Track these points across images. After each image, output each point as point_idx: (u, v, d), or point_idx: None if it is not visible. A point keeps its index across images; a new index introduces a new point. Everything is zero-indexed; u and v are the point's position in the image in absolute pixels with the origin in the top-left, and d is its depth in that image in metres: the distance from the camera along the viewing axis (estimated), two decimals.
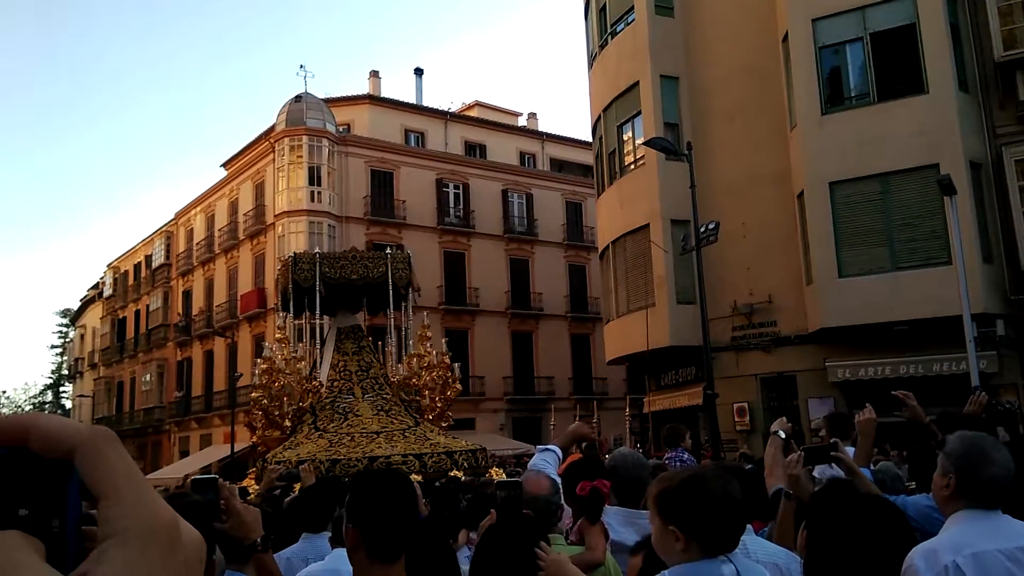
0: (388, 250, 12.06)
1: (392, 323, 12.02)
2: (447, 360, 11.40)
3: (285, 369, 10.30)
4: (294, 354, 10.79)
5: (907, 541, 2.82)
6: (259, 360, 10.58)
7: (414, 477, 8.28)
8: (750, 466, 8.07)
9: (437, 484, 7.29)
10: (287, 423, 10.31)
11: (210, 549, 2.76)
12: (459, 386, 11.74)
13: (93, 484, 0.50)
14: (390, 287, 11.09)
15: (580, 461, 3.53)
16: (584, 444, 5.78)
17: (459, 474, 9.07)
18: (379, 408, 10.61)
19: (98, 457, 0.50)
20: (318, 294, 10.88)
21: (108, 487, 0.50)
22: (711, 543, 2.12)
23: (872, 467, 5.28)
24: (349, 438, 9.97)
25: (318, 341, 12.79)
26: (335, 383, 10.86)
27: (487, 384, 32.46)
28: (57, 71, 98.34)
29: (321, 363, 11.60)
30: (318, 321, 12.34)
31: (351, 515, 2.09)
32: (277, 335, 11.06)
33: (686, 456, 7.71)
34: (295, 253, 11.92)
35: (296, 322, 12.23)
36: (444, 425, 11.29)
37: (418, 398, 11.02)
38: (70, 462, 0.50)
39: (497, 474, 9.51)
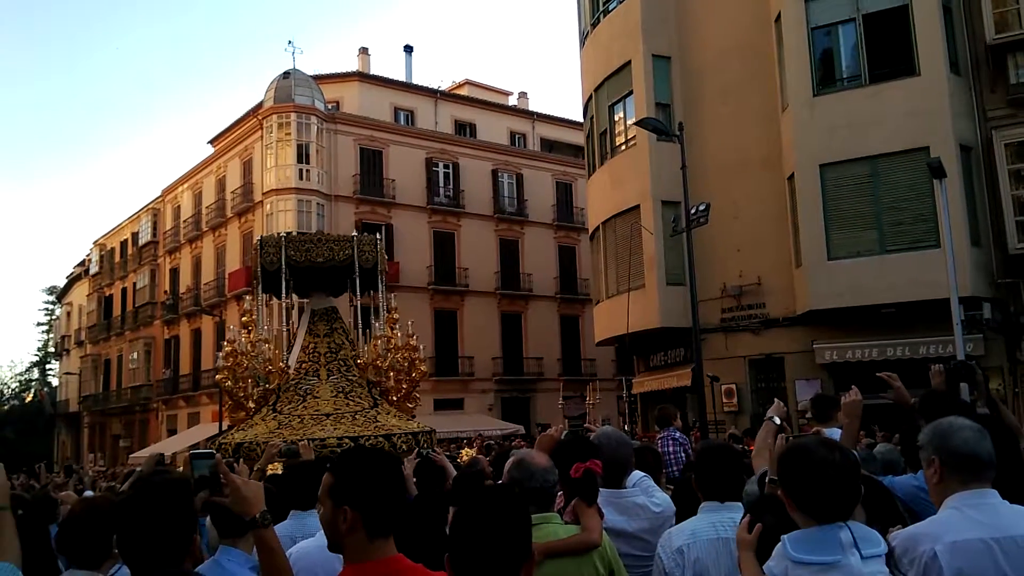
0: (354, 233, 12.07)
1: (363, 305, 11.87)
2: (412, 342, 11.32)
3: (251, 351, 10.22)
4: (260, 336, 10.67)
5: (892, 519, 2.83)
6: (223, 343, 10.53)
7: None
8: (740, 447, 8.19)
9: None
10: (251, 404, 10.23)
11: (199, 525, 2.75)
12: (424, 368, 11.63)
13: None
14: (356, 269, 11.00)
15: (570, 442, 3.50)
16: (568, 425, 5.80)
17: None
18: (339, 390, 10.44)
19: None
20: (283, 277, 10.76)
21: None
22: (819, 512, 2.23)
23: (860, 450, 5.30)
24: (299, 420, 9.80)
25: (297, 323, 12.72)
26: (303, 365, 10.73)
27: (476, 365, 32.50)
28: (39, 51, 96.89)
29: (293, 345, 11.50)
30: (285, 302, 12.23)
31: (346, 498, 2.07)
32: (244, 318, 10.99)
33: (677, 435, 7.83)
34: (262, 237, 11.83)
35: (277, 302, 12.16)
36: (411, 406, 11.19)
37: (384, 380, 10.96)
38: None
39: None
